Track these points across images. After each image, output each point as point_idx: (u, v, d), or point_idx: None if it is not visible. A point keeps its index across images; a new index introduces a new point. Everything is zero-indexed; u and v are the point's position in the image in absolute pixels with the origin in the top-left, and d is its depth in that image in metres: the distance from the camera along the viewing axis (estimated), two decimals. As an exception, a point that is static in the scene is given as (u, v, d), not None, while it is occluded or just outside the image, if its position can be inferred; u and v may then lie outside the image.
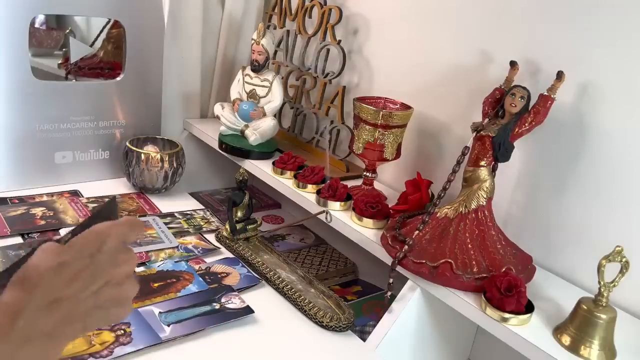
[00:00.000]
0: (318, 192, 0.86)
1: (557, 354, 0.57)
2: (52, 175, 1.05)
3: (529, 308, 0.62)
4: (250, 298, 0.77)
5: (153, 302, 0.73)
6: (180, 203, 1.08)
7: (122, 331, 0.66)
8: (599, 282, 0.58)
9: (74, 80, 1.12)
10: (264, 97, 1.03)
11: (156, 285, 0.77)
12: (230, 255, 0.90)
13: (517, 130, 0.67)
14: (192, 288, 0.78)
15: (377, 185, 0.92)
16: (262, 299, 0.79)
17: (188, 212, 1.04)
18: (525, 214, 0.78)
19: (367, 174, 0.88)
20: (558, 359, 0.57)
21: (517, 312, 0.61)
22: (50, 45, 1.13)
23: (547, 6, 0.73)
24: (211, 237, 0.95)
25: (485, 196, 0.69)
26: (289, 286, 0.81)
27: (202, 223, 1.00)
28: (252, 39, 1.01)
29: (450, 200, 0.72)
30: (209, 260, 0.88)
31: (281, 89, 1.02)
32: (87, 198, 1.03)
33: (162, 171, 1.06)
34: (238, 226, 0.92)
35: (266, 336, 0.71)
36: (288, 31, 1.09)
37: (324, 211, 0.83)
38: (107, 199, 0.32)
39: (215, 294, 0.77)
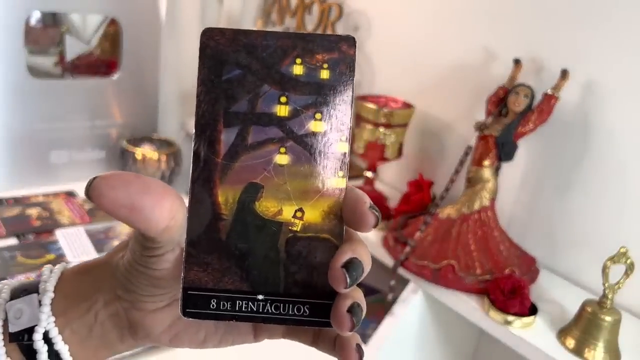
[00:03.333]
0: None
1: (561, 357, 0.57)
2: (47, 175, 1.04)
3: (532, 310, 0.61)
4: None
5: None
6: (178, 203, 1.07)
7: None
8: (604, 284, 0.57)
9: (70, 79, 1.11)
10: (263, 95, 1.01)
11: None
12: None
13: (520, 129, 0.66)
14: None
15: (378, 185, 0.91)
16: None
17: (186, 212, 1.03)
18: (529, 214, 0.77)
19: (368, 173, 0.87)
20: (563, 363, 0.56)
21: (521, 315, 0.60)
22: (46, 44, 1.12)
23: (552, 3, 0.72)
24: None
25: (488, 197, 0.68)
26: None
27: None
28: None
29: (452, 200, 0.71)
30: (207, 261, 0.86)
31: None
32: (83, 199, 1.01)
33: (159, 171, 1.04)
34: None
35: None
36: (287, 28, 1.07)
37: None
38: None
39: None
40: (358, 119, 0.83)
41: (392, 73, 0.97)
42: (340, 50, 0.26)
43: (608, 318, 0.57)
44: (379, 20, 0.98)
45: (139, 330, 0.29)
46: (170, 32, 1.11)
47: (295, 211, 0.26)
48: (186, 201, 0.26)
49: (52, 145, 1.03)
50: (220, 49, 0.26)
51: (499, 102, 0.69)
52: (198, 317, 0.26)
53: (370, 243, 0.75)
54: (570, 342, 0.58)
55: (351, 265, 0.25)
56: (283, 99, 0.26)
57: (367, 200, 0.26)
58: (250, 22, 1.19)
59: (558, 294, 0.68)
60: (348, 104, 0.26)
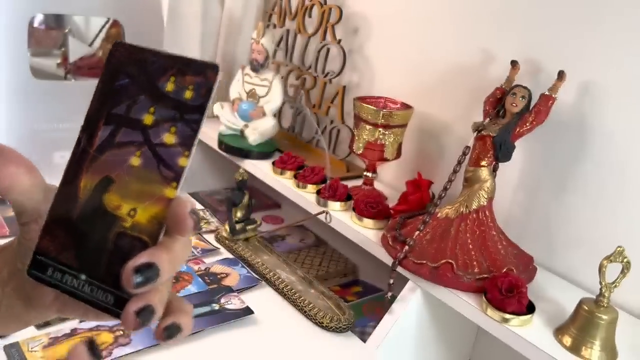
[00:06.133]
0: (318, 192, 0.86)
1: (558, 355, 0.57)
2: (50, 176, 1.04)
3: (530, 309, 0.62)
4: (250, 299, 0.77)
5: (152, 302, 0.73)
6: (179, 203, 1.07)
7: (121, 332, 0.66)
8: (600, 283, 0.57)
9: (73, 80, 1.12)
10: (264, 96, 1.02)
11: (155, 285, 0.77)
12: (230, 256, 0.90)
13: (518, 130, 0.67)
14: (192, 289, 0.78)
15: (377, 185, 0.92)
16: (261, 299, 0.78)
17: (187, 212, 1.03)
18: (527, 214, 0.78)
19: (368, 174, 0.88)
20: (559, 360, 0.56)
21: (518, 313, 0.61)
22: (49, 45, 1.13)
23: (549, 5, 0.73)
24: (210, 238, 0.95)
25: (486, 196, 0.69)
26: (289, 287, 0.80)
27: (201, 223, 1.00)
28: (252, 38, 1.01)
29: (451, 200, 0.72)
30: (208, 260, 0.87)
31: (281, 88, 1.02)
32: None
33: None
34: (238, 226, 0.92)
35: (266, 337, 0.71)
36: (288, 30, 1.08)
37: (323, 211, 0.82)
38: None
39: (214, 294, 0.76)
40: (357, 119, 0.84)
41: (391, 74, 0.97)
42: (205, 75, 0.29)
43: (605, 316, 0.57)
44: (378, 22, 0.99)
45: (34, 300, 0.32)
46: (172, 33, 1.11)
47: (130, 210, 0.29)
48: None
49: (55, 146, 1.03)
50: (119, 60, 0.30)
51: (497, 103, 0.69)
52: (38, 280, 0.30)
53: (369, 242, 0.76)
54: (567, 340, 0.59)
55: (143, 269, 0.27)
56: (152, 110, 0.30)
57: (189, 206, 0.28)
58: (251, 23, 1.19)
59: (555, 293, 0.69)
60: (199, 123, 0.29)
